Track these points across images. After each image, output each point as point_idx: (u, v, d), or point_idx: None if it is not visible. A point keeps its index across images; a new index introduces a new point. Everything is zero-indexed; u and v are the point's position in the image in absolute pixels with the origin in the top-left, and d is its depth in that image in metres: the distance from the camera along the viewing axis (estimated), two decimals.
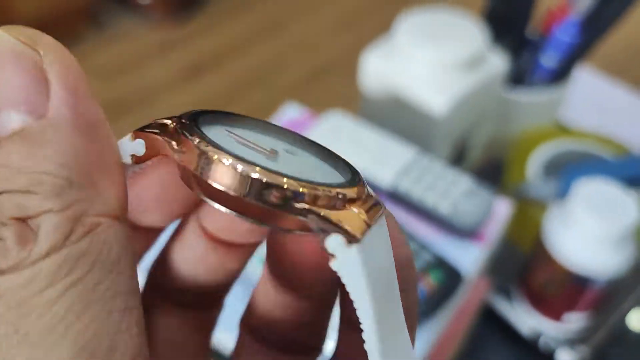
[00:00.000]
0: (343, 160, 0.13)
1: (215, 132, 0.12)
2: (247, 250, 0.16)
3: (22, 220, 0.10)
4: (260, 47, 1.42)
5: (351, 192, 0.11)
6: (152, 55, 1.40)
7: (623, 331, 0.50)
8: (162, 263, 0.16)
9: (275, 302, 0.15)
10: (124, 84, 1.33)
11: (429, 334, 0.39)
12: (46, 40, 0.10)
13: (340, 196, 0.11)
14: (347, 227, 0.11)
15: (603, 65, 0.74)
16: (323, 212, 0.11)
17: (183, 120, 0.12)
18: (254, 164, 0.11)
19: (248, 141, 0.12)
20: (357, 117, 0.50)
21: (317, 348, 0.16)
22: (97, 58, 1.39)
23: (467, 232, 0.42)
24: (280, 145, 0.13)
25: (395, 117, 0.50)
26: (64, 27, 1.39)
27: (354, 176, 0.12)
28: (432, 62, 0.47)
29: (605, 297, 0.46)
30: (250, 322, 0.16)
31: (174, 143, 0.11)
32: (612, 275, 0.43)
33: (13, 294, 0.09)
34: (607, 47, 0.60)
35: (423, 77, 0.47)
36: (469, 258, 0.41)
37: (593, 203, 0.42)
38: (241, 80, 1.33)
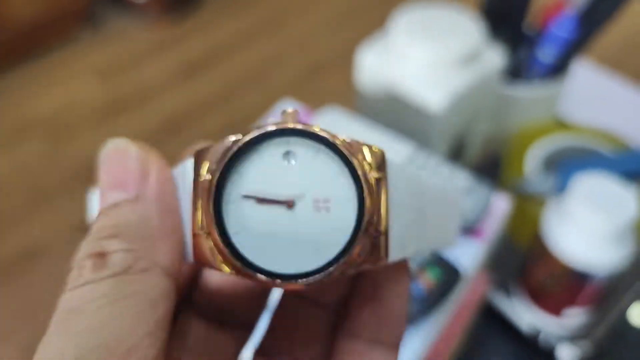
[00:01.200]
0: (350, 166, 0.14)
1: (234, 206, 0.15)
2: None
3: (100, 255, 0.14)
4: (256, 45, 1.42)
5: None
6: (148, 55, 1.40)
7: (623, 326, 0.49)
8: (202, 281, 0.19)
9: (226, 279, 0.19)
10: (120, 83, 1.33)
11: (428, 331, 0.38)
12: (152, 152, 0.16)
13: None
14: None
15: (601, 59, 0.74)
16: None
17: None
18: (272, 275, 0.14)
19: (265, 199, 0.15)
20: (354, 114, 0.50)
21: (253, 324, 0.19)
22: (93, 58, 1.39)
23: (465, 229, 0.41)
24: (296, 157, 0.15)
25: (392, 114, 0.50)
26: (60, 27, 1.38)
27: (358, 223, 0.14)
28: (428, 58, 0.47)
29: (604, 292, 0.45)
30: (198, 299, 0.19)
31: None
32: (612, 270, 0.43)
33: (70, 302, 0.13)
34: (605, 42, 0.60)
35: (419, 74, 0.47)
36: (468, 254, 0.41)
37: (591, 198, 0.42)
38: (238, 78, 1.33)
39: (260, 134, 0.14)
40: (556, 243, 0.43)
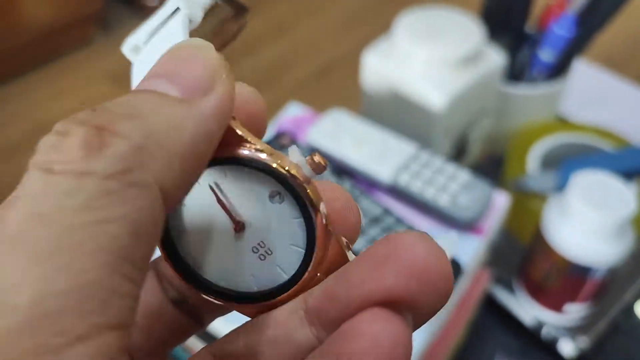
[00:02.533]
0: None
1: (197, 191, 0.14)
2: None
3: (99, 129, 0.10)
4: (265, 48, 1.43)
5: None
6: None
7: (625, 321, 0.50)
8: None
9: None
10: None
11: (430, 325, 0.39)
12: (229, 71, 0.13)
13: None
14: None
15: (604, 59, 0.74)
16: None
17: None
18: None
19: (223, 204, 0.14)
20: (360, 115, 0.52)
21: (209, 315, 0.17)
22: (106, 61, 1.41)
23: (466, 225, 0.43)
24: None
25: (396, 114, 0.51)
26: (73, 32, 1.41)
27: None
28: (431, 59, 0.48)
29: (605, 287, 0.46)
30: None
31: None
32: (612, 264, 0.44)
33: (41, 198, 0.10)
34: (608, 41, 0.61)
35: (422, 75, 0.48)
36: (468, 250, 0.42)
37: (590, 194, 0.43)
38: (247, 80, 1.33)
39: (266, 166, 0.13)
40: (556, 239, 0.44)
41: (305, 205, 0.13)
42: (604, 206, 0.42)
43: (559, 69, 0.55)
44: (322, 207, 0.14)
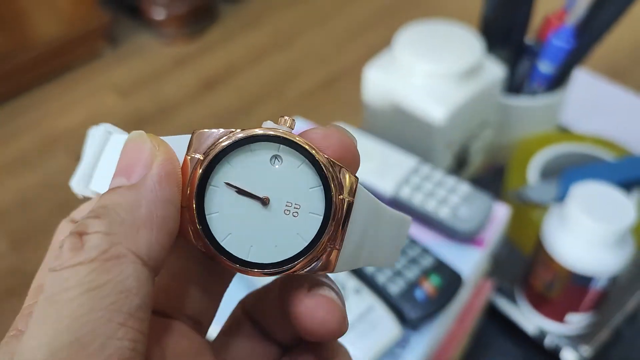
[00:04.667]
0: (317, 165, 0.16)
1: (216, 191, 0.16)
2: None
3: (80, 234, 0.14)
4: (270, 60, 1.45)
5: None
6: (167, 70, 1.43)
7: (627, 329, 0.51)
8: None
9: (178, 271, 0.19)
10: (140, 98, 1.36)
11: (431, 336, 0.40)
12: (163, 144, 0.16)
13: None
14: None
15: (604, 68, 0.75)
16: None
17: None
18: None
19: (245, 191, 0.16)
20: (361, 128, 0.52)
21: (202, 325, 0.19)
22: (113, 74, 1.43)
23: (466, 237, 0.43)
24: (281, 162, 0.17)
25: (397, 128, 0.52)
26: (82, 46, 1.43)
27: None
28: (431, 73, 0.49)
29: (606, 296, 0.47)
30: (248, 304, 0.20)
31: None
32: (613, 274, 0.44)
33: (50, 289, 0.14)
34: (608, 51, 0.61)
35: (422, 88, 0.49)
36: (469, 261, 0.43)
37: (590, 205, 0.44)
38: (253, 92, 1.36)
39: (256, 135, 0.16)
40: (557, 248, 0.45)
41: (306, 150, 0.16)
42: (604, 216, 0.43)
43: (558, 80, 0.56)
44: (322, 156, 0.16)
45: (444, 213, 0.43)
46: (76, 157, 1.23)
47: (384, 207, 0.18)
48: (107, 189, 0.16)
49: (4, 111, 1.35)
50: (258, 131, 0.16)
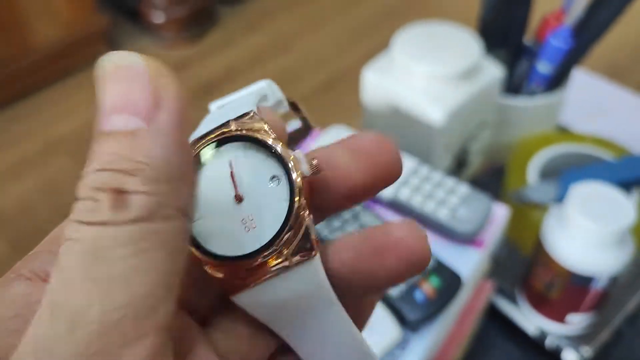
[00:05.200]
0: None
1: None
2: None
3: (118, 192, 0.12)
4: (270, 63, 1.45)
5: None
6: None
7: (628, 329, 0.51)
8: None
9: None
10: None
11: (432, 337, 0.40)
12: (166, 71, 0.14)
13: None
14: None
15: (603, 68, 0.75)
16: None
17: None
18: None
19: (234, 182, 0.16)
20: (361, 130, 0.52)
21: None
22: None
23: (466, 238, 0.43)
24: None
25: (396, 129, 0.52)
26: (81, 50, 1.43)
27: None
28: (429, 74, 0.49)
29: (607, 297, 0.47)
30: None
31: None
32: (613, 274, 0.44)
33: (93, 243, 0.12)
34: (607, 50, 0.61)
35: (421, 90, 0.49)
36: (469, 262, 0.43)
37: (589, 205, 0.44)
38: None
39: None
40: (557, 249, 0.45)
41: (293, 190, 0.16)
42: (603, 216, 0.43)
43: (557, 81, 0.56)
44: (302, 201, 0.16)
45: (443, 214, 0.43)
46: (77, 160, 1.23)
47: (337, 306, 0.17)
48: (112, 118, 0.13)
49: (5, 116, 1.35)
50: (280, 149, 0.17)
